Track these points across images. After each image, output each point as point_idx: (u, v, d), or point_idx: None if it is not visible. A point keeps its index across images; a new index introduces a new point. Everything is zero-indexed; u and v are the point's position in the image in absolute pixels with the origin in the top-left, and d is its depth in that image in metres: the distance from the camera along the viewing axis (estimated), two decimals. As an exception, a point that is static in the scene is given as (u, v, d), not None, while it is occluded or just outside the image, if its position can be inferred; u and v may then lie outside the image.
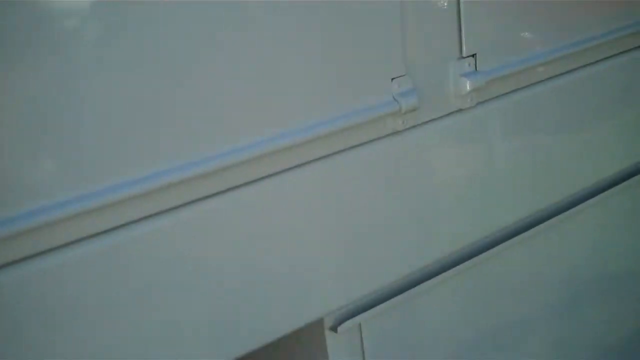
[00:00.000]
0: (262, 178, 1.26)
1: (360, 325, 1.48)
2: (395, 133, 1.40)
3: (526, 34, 1.59)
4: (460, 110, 1.50)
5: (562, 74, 1.65)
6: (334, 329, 1.44)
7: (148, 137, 1.12)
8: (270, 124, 1.24)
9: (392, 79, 1.36)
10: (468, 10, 1.44)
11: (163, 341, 1.21)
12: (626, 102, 1.82)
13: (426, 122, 1.45)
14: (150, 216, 1.15)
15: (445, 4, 1.42)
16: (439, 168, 1.50)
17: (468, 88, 1.47)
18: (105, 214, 1.10)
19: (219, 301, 1.26)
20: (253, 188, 1.25)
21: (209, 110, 1.17)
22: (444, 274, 1.55)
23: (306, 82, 1.28)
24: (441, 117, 1.47)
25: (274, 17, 1.22)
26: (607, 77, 1.75)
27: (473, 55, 1.48)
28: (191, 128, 1.16)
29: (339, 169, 1.36)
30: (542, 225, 1.70)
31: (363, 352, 1.51)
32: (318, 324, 1.44)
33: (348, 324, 1.45)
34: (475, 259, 1.60)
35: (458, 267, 1.57)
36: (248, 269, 1.28)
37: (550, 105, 1.65)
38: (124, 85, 1.08)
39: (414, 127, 1.42)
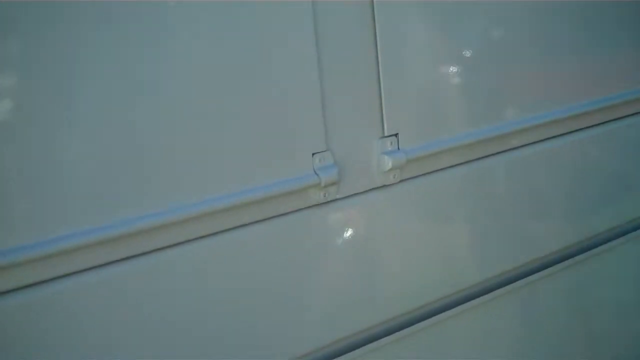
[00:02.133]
0: (190, 240, 1.34)
1: None
2: (318, 205, 1.49)
3: (450, 115, 1.70)
4: (384, 186, 1.59)
5: (483, 157, 1.75)
6: None
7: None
8: (197, 190, 1.34)
9: (313, 154, 1.47)
10: (389, 90, 1.55)
11: None
12: (543, 189, 1.92)
13: (349, 196, 1.53)
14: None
15: (366, 83, 1.53)
16: (362, 240, 1.57)
17: (390, 166, 1.57)
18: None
19: None
20: (185, 249, 1.34)
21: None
22: (366, 347, 1.59)
23: (229, 152, 1.37)
24: (365, 192, 1.56)
25: (205, 92, 1.33)
26: (524, 163, 1.86)
27: (395, 135, 1.59)
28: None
29: (265, 236, 1.44)
30: (465, 305, 1.75)
31: None
32: None
33: None
34: (402, 332, 1.65)
35: (380, 340, 1.61)
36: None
37: (473, 186, 1.75)
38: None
39: (335, 200, 1.51)
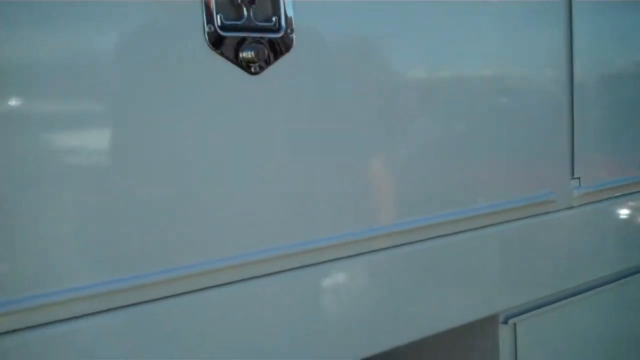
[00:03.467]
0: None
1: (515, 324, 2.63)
2: (547, 213, 2.66)
3: (611, 164, 2.92)
4: (572, 207, 2.78)
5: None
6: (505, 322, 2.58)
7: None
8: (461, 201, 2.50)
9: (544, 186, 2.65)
10: (578, 152, 2.74)
11: None
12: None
13: (560, 210, 2.71)
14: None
15: (566, 149, 2.71)
16: (564, 234, 2.75)
17: (575, 196, 2.76)
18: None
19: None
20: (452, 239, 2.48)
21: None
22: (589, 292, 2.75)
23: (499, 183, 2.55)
24: (566, 209, 2.73)
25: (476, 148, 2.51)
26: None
27: (578, 178, 2.78)
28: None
29: (518, 231, 2.58)
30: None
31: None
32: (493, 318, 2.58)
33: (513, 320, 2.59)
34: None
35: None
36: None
37: (625, 206, 2.97)
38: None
39: (555, 211, 2.68)
